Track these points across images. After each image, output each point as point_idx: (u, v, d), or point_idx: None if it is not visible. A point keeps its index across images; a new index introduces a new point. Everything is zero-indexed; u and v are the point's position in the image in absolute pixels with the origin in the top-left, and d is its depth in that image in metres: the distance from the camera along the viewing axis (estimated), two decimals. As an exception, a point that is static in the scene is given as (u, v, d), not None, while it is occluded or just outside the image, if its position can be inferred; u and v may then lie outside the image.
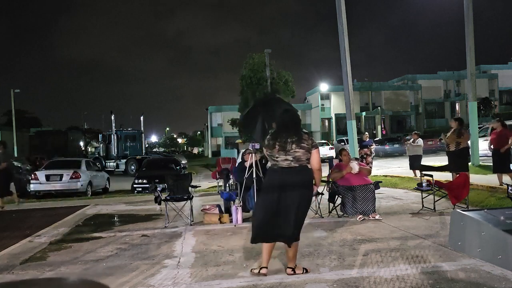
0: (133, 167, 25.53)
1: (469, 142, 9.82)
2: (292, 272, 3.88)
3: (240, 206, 6.72)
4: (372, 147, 13.98)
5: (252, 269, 4.01)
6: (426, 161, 12.74)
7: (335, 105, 46.53)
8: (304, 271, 3.93)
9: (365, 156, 13.21)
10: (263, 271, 3.88)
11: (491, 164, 9.27)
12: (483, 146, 15.88)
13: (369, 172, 7.16)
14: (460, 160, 8.75)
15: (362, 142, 13.49)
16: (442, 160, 13.50)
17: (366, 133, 14.75)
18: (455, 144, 8.86)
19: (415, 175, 11.36)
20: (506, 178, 8.71)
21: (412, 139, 13.01)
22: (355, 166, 6.76)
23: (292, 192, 3.79)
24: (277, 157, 3.86)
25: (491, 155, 9.43)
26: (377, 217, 6.40)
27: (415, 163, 12.17)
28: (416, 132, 14.39)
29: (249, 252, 4.81)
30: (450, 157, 9.04)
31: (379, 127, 39.66)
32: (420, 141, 12.74)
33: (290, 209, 3.79)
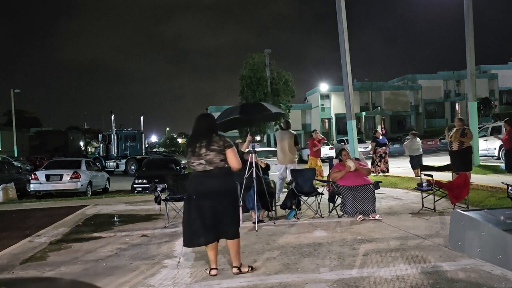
0: (133, 167, 25.53)
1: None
2: (238, 271, 3.95)
3: (240, 206, 6.70)
4: (389, 145, 13.19)
5: (205, 269, 4.14)
6: (426, 161, 12.73)
7: (335, 105, 46.57)
8: (250, 269, 4.02)
9: (383, 155, 12.76)
10: (213, 272, 3.98)
11: (491, 164, 9.30)
12: (483, 146, 15.95)
13: (369, 172, 7.15)
14: (463, 160, 8.76)
15: (376, 139, 12.97)
16: (442, 160, 13.51)
17: (378, 130, 13.94)
18: (459, 144, 8.87)
19: (417, 175, 11.31)
20: (507, 178, 8.71)
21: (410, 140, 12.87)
22: (350, 163, 6.78)
23: (212, 193, 3.90)
24: (192, 163, 3.98)
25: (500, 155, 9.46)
26: (377, 217, 6.39)
27: (414, 162, 12.12)
28: (413, 132, 14.14)
29: (249, 252, 4.82)
30: (453, 156, 9.04)
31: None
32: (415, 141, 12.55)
33: (215, 210, 3.87)
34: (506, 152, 9.24)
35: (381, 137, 13.19)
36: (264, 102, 9.41)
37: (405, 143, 13.22)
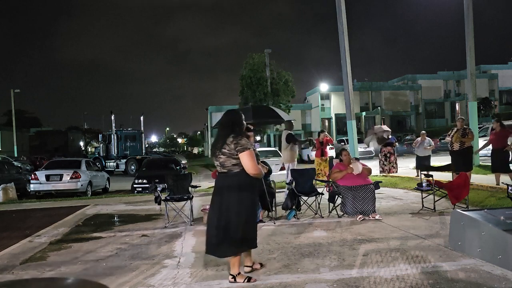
0: (133, 167, 25.53)
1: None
2: (250, 269, 3.97)
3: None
4: (396, 145, 12.82)
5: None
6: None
7: (335, 105, 46.54)
8: (260, 265, 4.11)
9: (388, 155, 12.52)
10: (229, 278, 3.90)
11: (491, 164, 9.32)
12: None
13: (370, 171, 7.14)
14: (464, 160, 8.76)
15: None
16: (442, 160, 13.49)
17: (389, 129, 13.37)
18: (460, 144, 8.87)
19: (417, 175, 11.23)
20: (505, 178, 8.71)
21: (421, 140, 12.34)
22: (358, 167, 6.74)
23: (223, 197, 3.72)
24: (214, 163, 3.90)
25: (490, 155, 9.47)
26: (377, 217, 6.39)
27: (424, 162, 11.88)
28: (423, 132, 13.77)
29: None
30: (454, 156, 9.04)
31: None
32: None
33: (219, 217, 3.68)
34: (493, 152, 9.22)
35: (390, 136, 12.76)
36: (273, 107, 9.44)
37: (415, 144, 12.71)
